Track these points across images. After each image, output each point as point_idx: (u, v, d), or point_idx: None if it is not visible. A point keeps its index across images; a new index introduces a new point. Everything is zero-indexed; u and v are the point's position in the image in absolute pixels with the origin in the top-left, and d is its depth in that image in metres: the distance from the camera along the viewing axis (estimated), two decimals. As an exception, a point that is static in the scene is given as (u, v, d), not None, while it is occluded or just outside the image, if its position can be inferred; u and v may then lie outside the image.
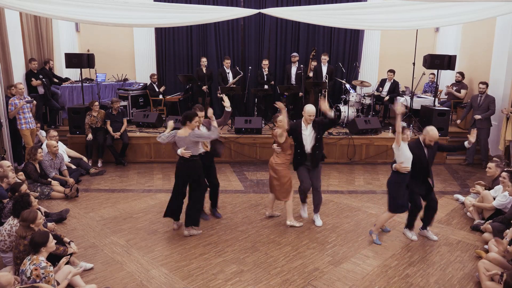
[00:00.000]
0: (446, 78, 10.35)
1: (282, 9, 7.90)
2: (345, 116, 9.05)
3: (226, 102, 5.34)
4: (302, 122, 5.14)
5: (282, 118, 5.16)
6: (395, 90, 9.28)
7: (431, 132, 4.81)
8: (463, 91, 9.41)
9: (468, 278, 4.24)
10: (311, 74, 9.40)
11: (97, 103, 8.14)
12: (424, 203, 4.99)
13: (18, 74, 8.15)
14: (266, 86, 9.36)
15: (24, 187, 4.88)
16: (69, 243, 4.36)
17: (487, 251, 4.55)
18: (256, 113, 9.24)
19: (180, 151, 4.86)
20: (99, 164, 7.97)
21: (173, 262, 4.48)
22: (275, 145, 5.21)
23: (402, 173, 4.71)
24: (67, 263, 4.09)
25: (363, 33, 10.48)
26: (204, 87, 9.07)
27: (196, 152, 4.93)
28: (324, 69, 9.20)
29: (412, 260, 4.60)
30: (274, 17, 9.45)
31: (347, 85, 9.30)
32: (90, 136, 7.92)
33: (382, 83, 9.51)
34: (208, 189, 5.49)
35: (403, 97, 9.46)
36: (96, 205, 6.08)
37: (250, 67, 9.57)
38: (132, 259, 4.54)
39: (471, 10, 6.72)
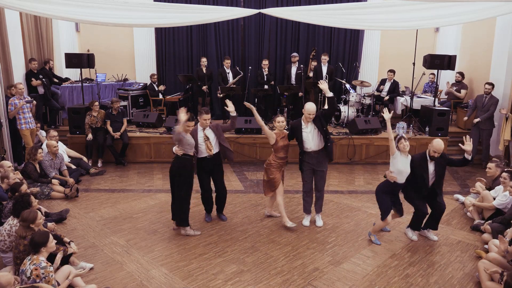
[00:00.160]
0: (446, 78, 10.35)
1: (282, 9, 7.90)
2: (345, 116, 9.05)
3: (230, 107, 5.17)
4: (302, 121, 5.12)
5: (283, 119, 5.17)
6: (395, 90, 9.29)
7: (435, 143, 4.65)
8: (463, 91, 9.41)
9: (468, 278, 4.24)
10: (311, 74, 9.40)
11: (97, 103, 8.14)
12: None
13: (18, 74, 8.15)
14: (266, 86, 9.36)
15: (24, 187, 4.89)
16: (69, 243, 4.36)
17: (487, 251, 4.55)
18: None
19: (174, 148, 4.94)
20: (99, 164, 7.97)
21: (173, 262, 4.48)
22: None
23: (390, 182, 4.73)
24: (67, 263, 4.10)
25: (363, 33, 10.48)
26: (204, 87, 9.07)
27: (189, 152, 4.91)
28: (324, 69, 9.20)
29: (412, 260, 4.60)
30: (274, 17, 9.45)
31: (347, 85, 9.31)
32: (90, 136, 7.92)
33: (382, 83, 9.51)
34: (215, 194, 5.48)
35: (403, 97, 9.46)
36: (96, 205, 6.08)
37: (250, 67, 9.56)
38: (132, 259, 4.54)
39: (471, 10, 6.72)
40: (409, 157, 4.75)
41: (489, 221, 5.07)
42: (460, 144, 4.75)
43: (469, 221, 5.65)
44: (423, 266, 4.46)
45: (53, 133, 7.13)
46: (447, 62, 8.41)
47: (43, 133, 7.80)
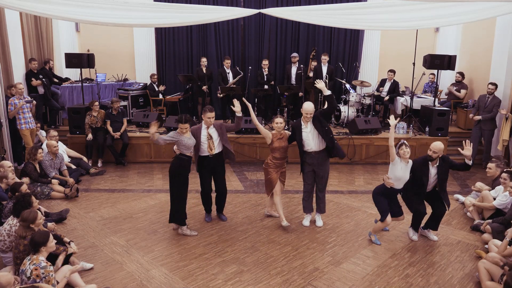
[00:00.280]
0: (446, 78, 10.35)
1: (282, 9, 7.90)
2: (345, 116, 9.05)
3: (237, 107, 5.15)
4: (302, 121, 5.11)
5: (281, 120, 5.17)
6: (395, 90, 9.29)
7: (433, 144, 4.66)
8: (463, 91, 9.41)
9: (468, 278, 4.24)
10: (311, 74, 9.40)
11: (97, 103, 8.14)
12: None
13: (18, 74, 8.15)
14: (266, 86, 9.35)
15: (24, 187, 4.89)
16: (69, 243, 4.36)
17: (487, 251, 4.55)
18: (256, 113, 9.24)
19: (174, 147, 5.04)
20: (99, 164, 7.97)
21: (173, 262, 4.48)
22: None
23: (386, 186, 4.74)
24: (67, 263, 4.10)
25: (363, 33, 10.48)
26: (204, 87, 9.06)
27: (185, 153, 4.93)
28: (324, 69, 9.20)
29: (412, 260, 4.60)
30: (274, 17, 9.46)
31: (347, 85, 9.30)
32: (90, 136, 7.92)
33: (382, 83, 9.51)
34: (215, 194, 5.49)
35: (403, 97, 9.46)
36: (96, 205, 6.08)
37: (250, 67, 9.56)
38: (132, 259, 4.54)
39: (471, 10, 6.72)
40: (410, 163, 4.72)
41: (489, 221, 5.06)
42: (459, 149, 4.70)
43: (469, 221, 5.65)
44: (423, 266, 4.46)
45: (53, 133, 7.13)
46: (447, 62, 8.41)
47: (43, 133, 7.80)
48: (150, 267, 4.36)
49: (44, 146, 6.85)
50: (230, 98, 8.95)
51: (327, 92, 4.96)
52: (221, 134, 5.16)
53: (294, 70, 9.37)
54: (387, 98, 9.20)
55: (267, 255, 4.65)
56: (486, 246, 4.71)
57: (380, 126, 8.61)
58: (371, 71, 10.70)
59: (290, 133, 5.29)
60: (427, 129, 8.37)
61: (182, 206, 5.07)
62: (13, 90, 7.33)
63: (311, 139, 5.05)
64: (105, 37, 10.52)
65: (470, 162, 4.65)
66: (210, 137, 5.08)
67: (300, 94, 8.95)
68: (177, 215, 5.07)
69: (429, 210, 4.99)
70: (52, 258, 3.82)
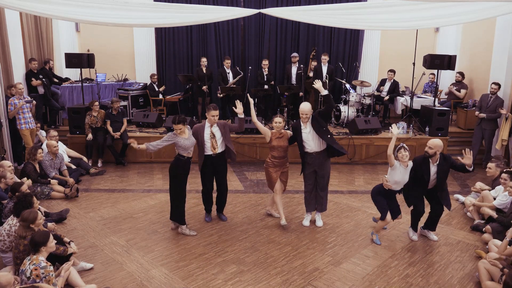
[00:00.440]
0: (446, 78, 10.35)
1: (282, 9, 7.90)
2: (345, 116, 9.05)
3: (239, 109, 5.13)
4: (301, 122, 5.12)
5: (280, 120, 5.17)
6: (395, 90, 9.29)
7: (430, 140, 4.68)
8: (463, 91, 9.42)
9: (468, 278, 4.24)
10: (311, 74, 9.40)
11: (97, 103, 8.14)
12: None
13: (18, 74, 8.15)
14: (266, 86, 9.36)
15: (24, 187, 4.89)
16: (69, 243, 4.35)
17: (487, 251, 4.55)
18: (256, 113, 9.23)
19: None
20: (99, 164, 7.97)
21: (173, 262, 4.48)
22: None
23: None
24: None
25: (363, 33, 10.48)
26: (204, 87, 9.06)
27: (182, 153, 4.94)
28: (324, 69, 9.20)
29: (412, 260, 4.60)
30: (274, 17, 9.46)
31: (347, 85, 9.31)
32: (90, 136, 7.92)
33: (382, 83, 9.51)
34: (215, 194, 5.49)
35: (403, 97, 9.46)
36: (96, 205, 6.08)
37: (250, 67, 9.56)
38: (132, 259, 4.54)
39: (471, 10, 6.72)
40: (410, 166, 4.71)
41: (497, 216, 5.02)
42: (459, 158, 4.68)
43: (469, 221, 5.64)
44: (423, 266, 4.46)
45: (53, 133, 7.13)
46: (447, 62, 8.41)
47: (43, 133, 7.81)
48: (150, 267, 4.36)
49: (44, 146, 6.85)
50: (230, 98, 8.97)
51: (324, 92, 4.95)
52: (224, 134, 5.15)
53: (294, 70, 9.38)
54: (387, 98, 9.20)
55: (267, 255, 4.65)
56: (487, 246, 4.71)
57: (380, 126, 8.61)
58: (371, 71, 10.69)
59: (291, 133, 5.29)
60: (427, 129, 8.37)
61: (181, 205, 5.08)
62: (13, 90, 7.33)
63: (311, 140, 5.05)
64: (105, 37, 10.52)
65: (470, 169, 4.63)
66: (213, 136, 5.07)
67: (300, 94, 8.95)
68: (177, 214, 5.09)
69: (428, 209, 5.00)
70: (52, 258, 3.82)
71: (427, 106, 8.71)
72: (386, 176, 4.76)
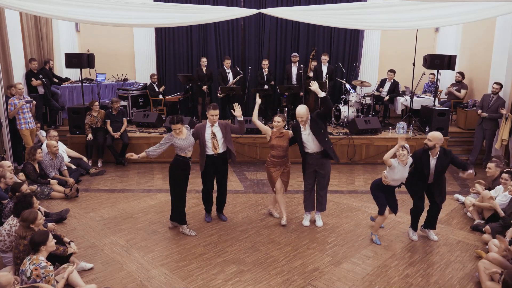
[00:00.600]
0: (446, 78, 10.35)
1: (282, 9, 7.90)
2: (345, 116, 9.05)
3: (237, 112, 5.11)
4: (300, 123, 5.11)
5: (279, 119, 5.17)
6: (395, 90, 9.29)
7: (431, 132, 4.68)
8: (463, 91, 9.42)
9: (468, 278, 4.24)
10: (311, 74, 9.40)
11: (97, 103, 8.14)
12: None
13: (18, 74, 8.15)
14: (266, 86, 9.36)
15: (24, 187, 4.89)
16: (69, 243, 4.36)
17: (487, 251, 4.55)
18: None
19: None
20: (99, 164, 7.97)
21: (173, 262, 4.48)
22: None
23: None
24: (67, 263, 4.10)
25: (363, 33, 10.48)
26: (204, 87, 9.06)
27: (180, 153, 4.94)
28: (324, 69, 9.21)
29: (412, 260, 4.60)
30: (274, 17, 9.45)
31: (347, 85, 9.31)
32: (90, 136, 7.92)
33: (382, 83, 9.51)
34: (215, 194, 5.50)
35: (403, 97, 9.46)
36: (96, 205, 6.07)
37: (250, 67, 9.56)
38: (132, 259, 4.54)
39: (471, 10, 6.72)
40: (409, 162, 4.68)
41: (503, 215, 5.01)
42: (461, 174, 4.67)
43: (469, 221, 5.64)
44: (423, 266, 4.46)
45: (53, 133, 7.13)
46: (447, 62, 8.41)
47: (43, 133, 7.80)
48: (150, 267, 4.36)
49: (44, 146, 6.85)
50: (230, 98, 8.96)
51: (322, 94, 4.87)
52: (225, 134, 5.14)
53: (294, 70, 9.37)
54: (387, 98, 9.20)
55: (267, 255, 4.65)
56: (487, 246, 4.71)
57: (380, 126, 8.61)
58: (371, 71, 10.69)
59: (292, 133, 5.28)
60: (427, 129, 8.35)
61: (182, 205, 5.08)
62: (13, 90, 7.33)
63: (311, 141, 5.06)
64: (105, 37, 10.52)
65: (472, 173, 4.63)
66: (214, 136, 5.06)
67: (301, 94, 8.95)
68: (177, 215, 5.09)
69: (427, 209, 5.00)
70: (52, 258, 3.82)
71: (427, 106, 8.71)
72: (385, 172, 4.75)
